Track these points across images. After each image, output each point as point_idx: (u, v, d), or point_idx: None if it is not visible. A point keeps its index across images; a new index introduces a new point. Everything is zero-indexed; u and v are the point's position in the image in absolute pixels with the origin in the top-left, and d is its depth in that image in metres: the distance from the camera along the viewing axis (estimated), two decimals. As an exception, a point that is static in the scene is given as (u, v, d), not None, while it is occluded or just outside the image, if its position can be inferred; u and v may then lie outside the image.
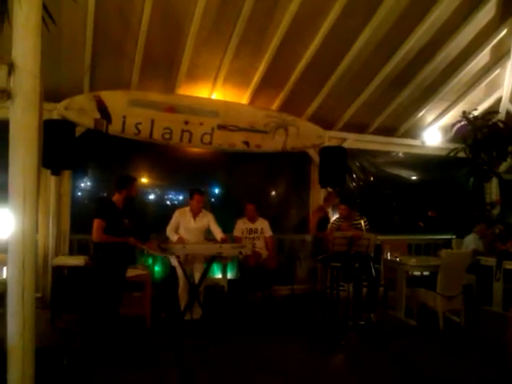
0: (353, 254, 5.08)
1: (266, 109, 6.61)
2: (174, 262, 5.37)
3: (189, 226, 5.46)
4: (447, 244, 7.66)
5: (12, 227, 2.63)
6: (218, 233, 5.47)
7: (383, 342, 4.87)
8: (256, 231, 6.03)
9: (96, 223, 4.37)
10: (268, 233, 6.10)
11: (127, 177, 4.71)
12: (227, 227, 6.01)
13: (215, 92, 6.32)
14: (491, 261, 6.46)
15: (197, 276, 5.22)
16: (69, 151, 5.25)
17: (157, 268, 6.11)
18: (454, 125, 7.56)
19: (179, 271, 5.21)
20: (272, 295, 5.88)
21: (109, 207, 4.50)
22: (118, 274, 4.50)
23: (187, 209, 5.52)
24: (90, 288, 4.56)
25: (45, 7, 2.81)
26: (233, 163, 7.09)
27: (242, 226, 6.03)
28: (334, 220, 6.21)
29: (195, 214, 5.49)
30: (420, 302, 5.65)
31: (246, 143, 6.36)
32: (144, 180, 7.30)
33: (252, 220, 6.06)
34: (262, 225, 6.09)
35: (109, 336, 4.35)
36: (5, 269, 3.78)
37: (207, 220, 5.53)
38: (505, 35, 6.49)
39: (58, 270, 5.09)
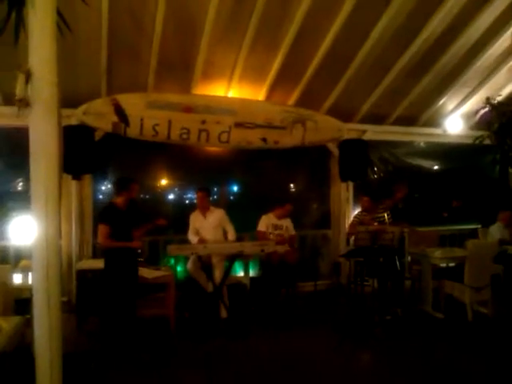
0: (377, 247, 5.01)
1: (282, 104, 6.55)
2: (190, 265, 5.39)
3: (201, 224, 5.55)
4: (473, 234, 7.50)
5: (35, 233, 2.65)
6: (230, 233, 5.59)
7: (411, 336, 4.80)
8: (281, 228, 6.00)
9: (100, 228, 4.43)
10: (292, 231, 6.10)
11: (126, 179, 4.70)
12: (247, 225, 6.01)
13: (231, 90, 6.29)
14: (519, 250, 6.30)
15: (217, 275, 5.23)
16: (89, 155, 5.31)
17: (179, 268, 6.15)
18: (477, 111, 7.37)
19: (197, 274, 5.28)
20: (295, 292, 5.84)
21: (111, 211, 4.51)
22: (128, 276, 4.51)
23: (197, 210, 5.63)
24: (105, 291, 4.59)
25: (59, 14, 2.82)
26: (251, 160, 7.05)
27: (267, 221, 5.99)
28: (357, 214, 6.14)
29: (204, 212, 5.57)
30: (447, 294, 5.55)
31: (264, 140, 6.31)
32: (164, 181, 7.35)
33: (278, 217, 6.02)
34: (287, 223, 6.07)
35: (125, 338, 4.37)
36: (30, 274, 3.83)
37: (218, 216, 5.58)
38: (526, 17, 6.28)
39: (83, 274, 5.14)
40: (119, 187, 4.58)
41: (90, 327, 4.86)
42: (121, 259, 4.50)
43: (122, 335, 4.40)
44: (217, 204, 5.99)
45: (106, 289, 4.55)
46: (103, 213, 4.58)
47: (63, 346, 2.65)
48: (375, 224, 5.61)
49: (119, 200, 4.56)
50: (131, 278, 4.55)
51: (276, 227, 5.98)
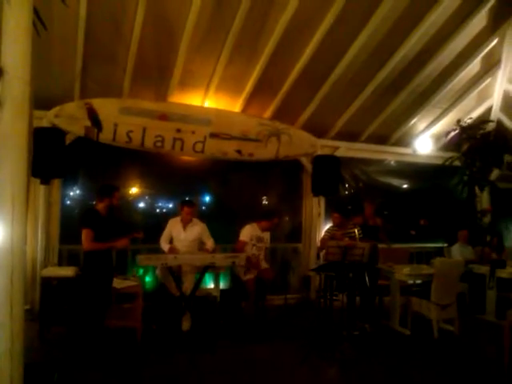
0: (347, 263, 5.03)
1: (258, 117, 6.57)
2: (159, 272, 5.29)
3: (179, 235, 5.46)
4: (439, 252, 7.65)
5: (0, 237, 2.54)
6: (208, 243, 5.51)
7: (377, 352, 4.82)
8: (263, 240, 5.79)
9: (85, 232, 4.36)
10: (268, 244, 5.98)
11: (110, 186, 4.69)
12: (218, 236, 5.94)
13: (207, 100, 6.27)
14: (484, 269, 6.46)
15: (187, 286, 5.15)
16: (58, 159, 5.14)
17: (148, 279, 6.02)
18: (448, 133, 7.60)
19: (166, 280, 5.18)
20: (265, 305, 5.80)
21: (93, 216, 4.48)
22: (104, 284, 4.46)
23: (178, 218, 5.53)
24: (77, 299, 4.47)
25: (36, 12, 2.74)
26: (225, 172, 7.02)
27: (252, 232, 5.72)
28: (328, 228, 6.17)
29: (185, 224, 5.48)
30: (414, 311, 5.62)
31: (239, 152, 6.31)
32: (135, 188, 7.21)
33: (263, 229, 5.81)
34: (267, 235, 5.90)
35: (95, 348, 4.26)
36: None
37: (198, 229, 5.50)
38: (496, 45, 6.54)
39: (47, 281, 4.97)
40: (103, 194, 4.55)
41: (52, 336, 4.68)
42: (101, 264, 4.45)
43: (90, 345, 4.28)
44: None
45: (81, 294, 4.48)
46: (86, 218, 4.51)
47: (25, 355, 2.52)
48: (346, 239, 5.65)
49: (101, 206, 4.53)
50: (107, 285, 4.49)
51: (259, 239, 5.74)
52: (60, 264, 5.68)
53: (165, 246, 5.39)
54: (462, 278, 5.90)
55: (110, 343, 4.61)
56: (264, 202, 7.92)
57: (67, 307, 4.77)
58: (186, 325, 5.13)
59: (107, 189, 4.61)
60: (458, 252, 6.94)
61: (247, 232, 5.71)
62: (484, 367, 4.47)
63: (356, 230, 5.68)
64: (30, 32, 2.57)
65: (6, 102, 2.51)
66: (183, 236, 5.44)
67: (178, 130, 5.90)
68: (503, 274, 6.25)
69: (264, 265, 5.78)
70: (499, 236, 7.59)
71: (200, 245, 5.58)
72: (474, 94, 7.39)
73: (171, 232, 5.48)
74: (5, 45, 2.50)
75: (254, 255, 5.63)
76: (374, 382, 4.10)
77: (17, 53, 2.51)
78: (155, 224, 5.65)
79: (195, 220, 5.54)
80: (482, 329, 5.93)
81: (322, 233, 6.69)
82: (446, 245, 7.80)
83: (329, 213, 6.98)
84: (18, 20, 2.49)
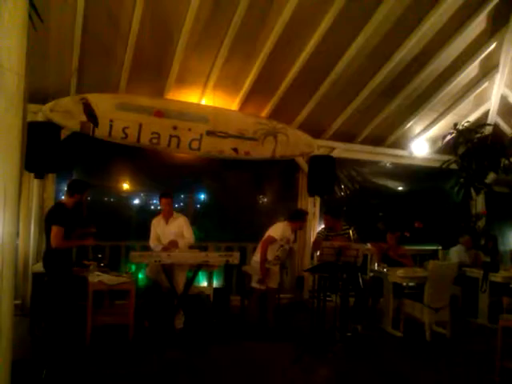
0: (341, 264, 5.02)
1: (255, 116, 6.56)
2: (149, 271, 5.25)
3: (163, 230, 5.39)
4: (433, 255, 7.67)
5: (-9, 232, 2.51)
6: (186, 237, 5.33)
7: (369, 354, 4.82)
8: (289, 242, 5.56)
9: (55, 230, 4.29)
10: (292, 245, 5.84)
11: (82, 182, 4.69)
12: (210, 235, 5.92)
13: (205, 98, 6.25)
14: (477, 272, 6.47)
15: (180, 284, 5.12)
16: (53, 154, 5.13)
17: (140, 275, 5.99)
18: (445, 136, 7.61)
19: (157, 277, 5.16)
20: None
21: (63, 212, 4.43)
22: (69, 282, 4.46)
23: (160, 216, 5.47)
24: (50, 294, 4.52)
25: (32, 4, 2.71)
26: (221, 170, 7.01)
27: (283, 231, 5.39)
28: (320, 230, 6.16)
29: (167, 218, 5.41)
30: (407, 313, 5.61)
31: (235, 150, 6.29)
32: (127, 185, 7.18)
33: (293, 230, 5.56)
34: (293, 237, 5.68)
35: (69, 343, 4.30)
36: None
37: (180, 223, 5.41)
38: (494, 49, 6.56)
39: (39, 277, 4.92)
40: (74, 190, 4.52)
41: (43, 332, 4.64)
42: (69, 261, 4.50)
43: (65, 341, 4.30)
44: (184, 212, 5.87)
45: (52, 292, 4.46)
46: (56, 214, 4.43)
47: (14, 351, 2.49)
48: (339, 239, 5.64)
49: (69, 201, 4.51)
50: (71, 283, 4.50)
51: (287, 241, 5.48)
52: (53, 259, 5.62)
53: (156, 245, 5.32)
54: (456, 281, 5.90)
55: (101, 340, 4.61)
56: (260, 202, 7.92)
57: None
58: (178, 323, 5.11)
59: (80, 185, 4.59)
60: (459, 255, 6.93)
61: (280, 230, 5.39)
62: (476, 371, 4.47)
63: (351, 231, 5.67)
64: (26, 24, 2.54)
65: (0, 94, 2.48)
66: (167, 231, 5.37)
67: (175, 127, 5.88)
68: (496, 278, 6.25)
69: (274, 282, 5.45)
70: (494, 240, 7.61)
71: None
72: (470, 98, 7.41)
73: (156, 230, 5.41)
74: (-1, 37, 2.47)
75: (278, 257, 5.44)
76: (364, 383, 4.09)
77: (11, 45, 2.48)
78: (149, 221, 5.60)
79: (176, 214, 5.47)
80: (474, 332, 5.94)
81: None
82: (440, 247, 7.83)
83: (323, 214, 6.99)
84: (14, 12, 2.45)
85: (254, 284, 5.40)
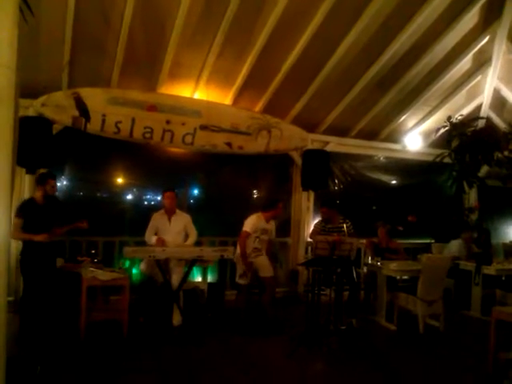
0: (335, 258, 5.03)
1: (249, 110, 6.53)
2: (143, 266, 5.23)
3: (164, 227, 5.37)
4: (426, 249, 7.71)
5: (-17, 228, 2.48)
6: (190, 238, 5.40)
7: (364, 347, 4.84)
8: (267, 232, 5.53)
9: (13, 221, 4.30)
10: (273, 235, 5.74)
11: (44, 173, 4.75)
12: (204, 229, 5.90)
13: (198, 92, 6.22)
14: (470, 265, 6.52)
15: (175, 280, 5.11)
16: (45, 149, 5.08)
17: (135, 271, 5.97)
18: (438, 129, 7.63)
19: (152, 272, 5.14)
20: (252, 298, 5.79)
21: (28, 205, 4.54)
22: (40, 272, 4.50)
23: (162, 211, 5.43)
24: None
25: (22, -3, 2.67)
26: (215, 164, 6.98)
27: (257, 224, 5.42)
28: (317, 223, 6.17)
29: (170, 215, 5.39)
30: (400, 306, 5.65)
31: (229, 144, 6.28)
32: (120, 179, 7.12)
33: (267, 219, 5.53)
34: (272, 227, 5.64)
35: (60, 341, 4.36)
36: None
37: (183, 220, 5.42)
38: (487, 42, 6.57)
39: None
40: (38, 182, 4.63)
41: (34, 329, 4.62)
42: (35, 252, 4.49)
43: (56, 336, 4.35)
44: (178, 206, 5.84)
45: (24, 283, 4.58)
46: (20, 206, 4.53)
47: (7, 348, 2.48)
48: (335, 235, 5.65)
49: (37, 195, 4.61)
50: (47, 273, 4.55)
51: (264, 231, 5.47)
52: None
53: (151, 238, 5.28)
54: (449, 274, 5.95)
55: (94, 336, 4.60)
56: (254, 196, 7.90)
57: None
58: (176, 319, 5.08)
59: (41, 177, 4.66)
60: (458, 248, 6.99)
61: (252, 223, 5.41)
62: (469, 363, 4.51)
63: (345, 225, 5.69)
64: (17, 18, 2.50)
65: (-9, 88, 2.44)
66: (169, 228, 5.35)
67: (168, 122, 5.85)
68: (489, 270, 6.30)
69: (266, 271, 5.46)
70: (487, 233, 7.67)
71: (186, 237, 5.49)
72: (463, 92, 7.43)
73: (156, 226, 5.37)
74: (-11, 30, 2.43)
75: (257, 249, 5.44)
76: (360, 376, 4.11)
77: (2, 39, 2.44)
78: (143, 216, 5.57)
79: (179, 211, 5.47)
80: (467, 325, 6.00)
81: (311, 226, 6.72)
82: (433, 241, 7.88)
83: (318, 207, 7.00)
84: (4, 5, 2.42)
85: (238, 279, 5.45)
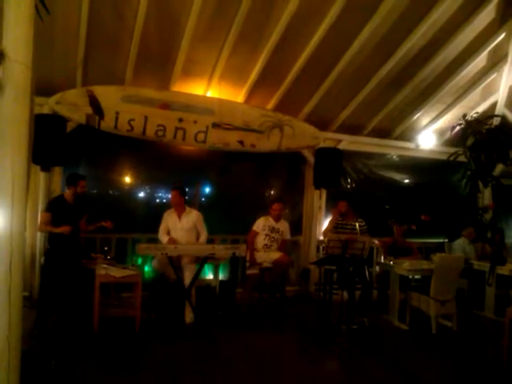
0: (347, 257, 5.01)
1: (261, 108, 6.52)
2: (156, 263, 5.26)
3: (175, 225, 5.39)
4: (439, 248, 7.64)
5: (-1, 224, 2.51)
6: (202, 236, 5.45)
7: (376, 346, 4.82)
8: (278, 231, 5.87)
9: (41, 215, 4.91)
10: (287, 236, 6.02)
11: (75, 175, 4.94)
12: (216, 227, 5.92)
13: (210, 89, 6.22)
14: (484, 265, 6.44)
15: (187, 277, 5.12)
16: (59, 147, 5.13)
17: (147, 268, 6.01)
18: (453, 127, 7.54)
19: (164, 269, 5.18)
20: (263, 297, 5.79)
21: (57, 202, 4.81)
22: (62, 267, 4.69)
23: (172, 209, 5.46)
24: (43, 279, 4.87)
25: (38, -5, 2.70)
26: (226, 162, 6.99)
27: (263, 223, 5.87)
28: (332, 218, 6.12)
29: (179, 213, 5.41)
30: (413, 306, 5.61)
31: (241, 142, 6.28)
32: (133, 177, 7.17)
33: (276, 219, 5.89)
34: (284, 227, 5.95)
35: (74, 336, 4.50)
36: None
37: (193, 218, 5.42)
38: (503, 39, 6.45)
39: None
40: (68, 182, 4.84)
41: (51, 324, 4.68)
42: (61, 247, 4.70)
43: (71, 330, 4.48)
44: (189, 205, 5.86)
45: (44, 277, 4.81)
46: (49, 202, 4.91)
47: (22, 342, 2.51)
48: (347, 232, 5.64)
49: (67, 193, 4.85)
50: (70, 269, 4.74)
51: (273, 230, 5.85)
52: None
53: (164, 238, 5.31)
54: (462, 274, 5.89)
55: (107, 332, 4.64)
56: (266, 194, 7.90)
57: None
58: (188, 316, 5.10)
59: (72, 177, 4.85)
60: (462, 247, 6.92)
61: (259, 222, 5.89)
62: (482, 363, 4.46)
63: (357, 224, 5.67)
64: (32, 15, 2.53)
65: (7, 86, 2.47)
66: (179, 226, 5.37)
67: (180, 120, 5.86)
68: (503, 271, 6.22)
69: (274, 255, 5.75)
70: (501, 232, 7.56)
71: (197, 234, 5.51)
72: (478, 90, 7.32)
73: (168, 223, 5.41)
74: (6, 28, 2.45)
75: (267, 245, 5.79)
76: (372, 376, 4.09)
77: (18, 36, 2.47)
78: (155, 213, 5.60)
79: (189, 209, 5.48)
80: (480, 325, 5.93)
81: (323, 225, 6.70)
82: (446, 240, 7.80)
83: (330, 206, 6.99)
84: (21, 3, 2.44)
85: (247, 271, 5.70)
